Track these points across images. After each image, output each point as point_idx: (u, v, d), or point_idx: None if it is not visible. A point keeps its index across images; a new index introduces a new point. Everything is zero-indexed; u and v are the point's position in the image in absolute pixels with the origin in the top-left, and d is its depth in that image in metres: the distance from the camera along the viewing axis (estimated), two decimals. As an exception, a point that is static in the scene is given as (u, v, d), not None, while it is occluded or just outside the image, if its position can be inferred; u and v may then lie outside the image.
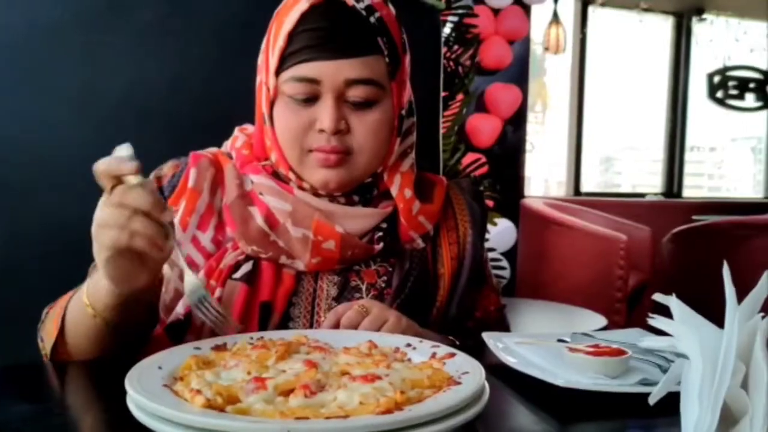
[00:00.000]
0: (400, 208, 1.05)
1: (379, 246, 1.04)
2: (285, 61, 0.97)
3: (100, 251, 0.81)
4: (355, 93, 0.97)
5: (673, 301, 0.57)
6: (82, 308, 0.88)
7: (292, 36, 0.96)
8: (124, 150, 0.81)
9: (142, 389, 0.60)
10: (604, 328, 2.33)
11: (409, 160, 1.09)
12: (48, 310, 0.99)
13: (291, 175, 1.03)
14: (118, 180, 0.79)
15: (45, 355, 0.97)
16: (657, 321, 0.58)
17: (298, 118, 0.98)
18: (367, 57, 0.97)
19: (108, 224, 0.78)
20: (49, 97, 1.36)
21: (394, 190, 1.06)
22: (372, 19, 0.97)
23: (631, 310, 3.35)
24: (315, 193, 1.03)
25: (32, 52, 1.35)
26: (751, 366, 0.52)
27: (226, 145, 1.12)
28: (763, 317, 0.54)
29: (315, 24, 0.95)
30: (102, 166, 0.79)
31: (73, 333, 0.92)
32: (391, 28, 1.00)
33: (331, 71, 0.95)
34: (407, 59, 1.05)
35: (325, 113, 0.96)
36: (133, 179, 0.79)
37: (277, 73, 0.98)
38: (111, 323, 0.88)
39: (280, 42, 0.97)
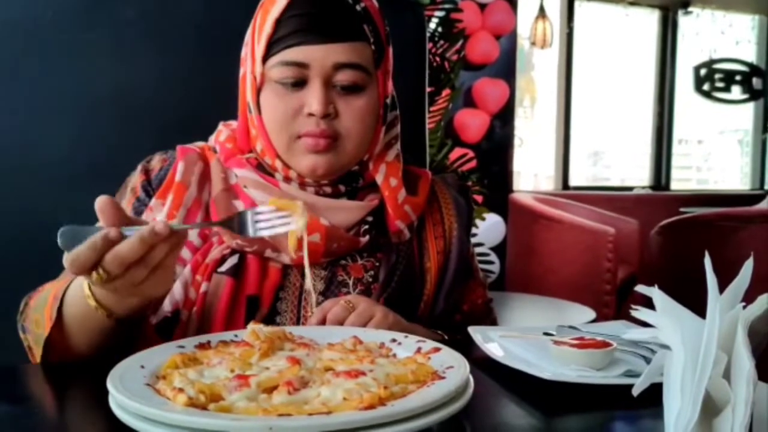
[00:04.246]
0: (385, 196, 1.06)
1: (365, 239, 1.04)
2: (272, 47, 0.97)
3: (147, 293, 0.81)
4: (343, 77, 0.98)
5: (655, 293, 0.57)
6: (82, 301, 0.84)
7: (279, 22, 0.96)
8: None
9: (124, 388, 0.60)
10: (594, 321, 2.34)
11: (394, 150, 1.09)
12: (28, 300, 0.96)
13: (278, 164, 1.02)
14: None
15: (28, 348, 0.94)
16: (640, 312, 0.58)
17: (286, 103, 0.98)
18: (354, 42, 0.98)
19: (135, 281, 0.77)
20: (32, 95, 1.34)
21: (379, 179, 1.06)
22: (358, 8, 0.99)
23: (620, 302, 3.36)
24: (300, 184, 1.03)
25: (12, 51, 1.34)
26: (733, 356, 0.52)
27: (211, 140, 1.12)
28: (744, 307, 0.54)
29: (302, 10, 0.96)
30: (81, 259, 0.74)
31: (75, 325, 0.87)
32: (375, 18, 1.01)
33: (319, 55, 0.96)
34: (390, 51, 1.06)
35: (313, 97, 0.96)
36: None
37: (264, 60, 0.98)
38: (117, 316, 0.85)
39: (267, 29, 0.97)
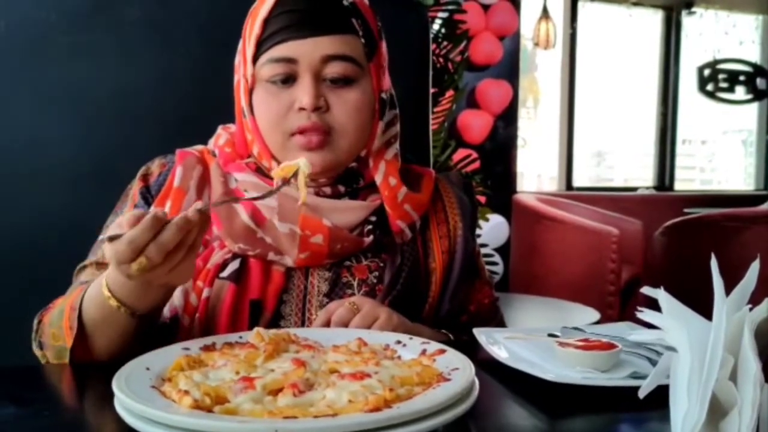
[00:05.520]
0: (384, 196, 1.05)
1: (369, 239, 1.03)
2: (261, 46, 0.98)
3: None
4: (333, 69, 0.97)
5: (661, 294, 0.57)
6: (102, 305, 0.86)
7: (267, 22, 0.97)
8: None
9: (130, 391, 0.60)
10: (598, 322, 2.34)
11: (393, 149, 1.08)
12: (41, 318, 0.96)
13: (274, 165, 1.02)
14: None
15: (46, 363, 0.94)
16: (645, 314, 0.58)
17: (277, 101, 0.98)
18: (342, 35, 0.98)
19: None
20: (36, 97, 1.35)
21: (378, 178, 1.05)
22: (345, 2, 0.99)
23: (624, 303, 3.35)
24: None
25: (18, 53, 1.34)
26: (740, 358, 0.52)
27: (210, 143, 1.12)
28: (750, 309, 0.54)
29: (289, 7, 0.96)
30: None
31: (98, 331, 0.88)
32: (364, 13, 1.01)
33: (307, 49, 0.96)
34: (384, 46, 1.05)
35: (303, 91, 0.96)
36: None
37: (255, 60, 0.99)
38: (140, 312, 0.86)
39: (256, 30, 0.98)
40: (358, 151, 1.04)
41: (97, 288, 0.87)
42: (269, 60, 0.97)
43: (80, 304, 0.89)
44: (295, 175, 0.89)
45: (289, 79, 0.98)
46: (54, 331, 0.92)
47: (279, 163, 1.01)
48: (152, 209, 0.77)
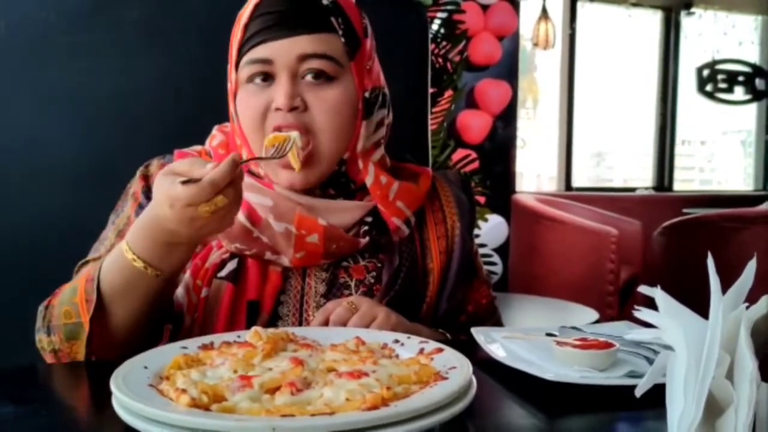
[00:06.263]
0: (376, 196, 1.04)
1: (365, 240, 1.03)
2: (242, 49, 0.98)
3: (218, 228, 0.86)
4: (310, 67, 0.97)
5: (658, 293, 0.57)
6: (125, 269, 0.87)
7: (247, 26, 0.97)
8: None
9: (128, 389, 0.60)
10: (597, 322, 2.34)
11: (381, 149, 1.07)
12: (46, 305, 0.95)
13: (260, 168, 1.02)
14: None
15: (51, 351, 0.92)
16: (642, 313, 0.58)
17: (256, 101, 0.98)
18: (319, 34, 0.97)
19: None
20: (36, 97, 1.35)
21: (369, 180, 1.04)
22: (325, 1, 0.98)
23: (623, 303, 3.36)
24: (289, 187, 1.02)
25: (18, 53, 1.34)
26: (736, 356, 0.52)
27: (207, 144, 1.12)
28: (747, 307, 0.54)
29: (267, 9, 0.96)
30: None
31: (117, 299, 0.89)
32: (347, 11, 1.00)
33: (283, 49, 0.96)
34: (369, 43, 1.04)
35: (279, 91, 0.96)
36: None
37: (237, 64, 0.99)
38: (164, 274, 0.88)
39: (238, 34, 0.98)
40: (341, 152, 1.01)
41: (118, 254, 0.88)
42: (247, 62, 0.97)
43: (98, 275, 0.89)
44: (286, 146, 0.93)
45: (267, 79, 0.97)
46: (66, 308, 0.91)
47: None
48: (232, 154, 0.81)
